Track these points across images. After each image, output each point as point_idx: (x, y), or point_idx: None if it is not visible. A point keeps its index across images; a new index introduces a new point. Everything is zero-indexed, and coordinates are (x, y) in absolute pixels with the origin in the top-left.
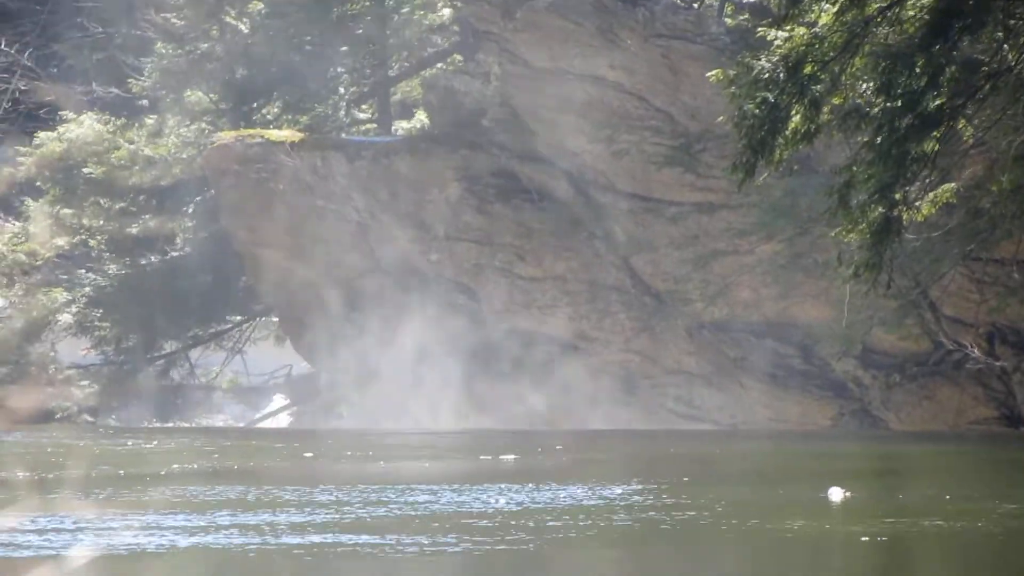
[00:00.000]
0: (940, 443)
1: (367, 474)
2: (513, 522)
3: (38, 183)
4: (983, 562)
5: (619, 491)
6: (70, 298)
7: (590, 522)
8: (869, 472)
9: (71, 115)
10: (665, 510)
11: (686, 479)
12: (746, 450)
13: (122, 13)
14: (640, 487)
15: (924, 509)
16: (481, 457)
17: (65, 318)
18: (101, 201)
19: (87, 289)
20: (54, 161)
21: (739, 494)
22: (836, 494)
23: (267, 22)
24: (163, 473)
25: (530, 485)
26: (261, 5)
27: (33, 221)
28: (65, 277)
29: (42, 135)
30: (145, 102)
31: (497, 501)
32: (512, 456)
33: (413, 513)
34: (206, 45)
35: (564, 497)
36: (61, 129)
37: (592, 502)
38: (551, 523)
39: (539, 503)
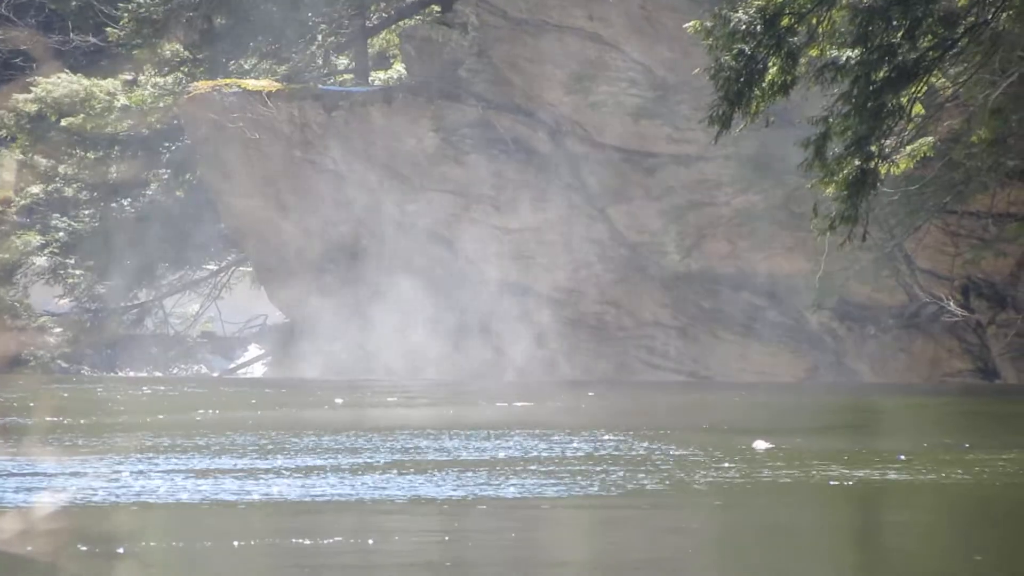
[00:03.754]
0: (909, 396)
1: (413, 420)
2: (583, 467)
3: (5, 133)
4: (844, 510)
5: (615, 439)
6: (44, 241)
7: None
8: (813, 424)
9: (43, 79)
10: (626, 460)
11: (662, 430)
12: (711, 401)
13: None
14: (623, 438)
15: (834, 458)
16: (498, 404)
17: (39, 262)
18: (75, 150)
19: (61, 234)
20: (27, 115)
21: (686, 441)
22: (761, 445)
23: None
24: (199, 419)
25: (561, 433)
26: None
27: (4, 169)
28: (39, 225)
29: (16, 97)
30: (122, 50)
31: (563, 449)
32: (527, 403)
33: (492, 457)
34: None
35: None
36: (37, 90)
37: (608, 452)
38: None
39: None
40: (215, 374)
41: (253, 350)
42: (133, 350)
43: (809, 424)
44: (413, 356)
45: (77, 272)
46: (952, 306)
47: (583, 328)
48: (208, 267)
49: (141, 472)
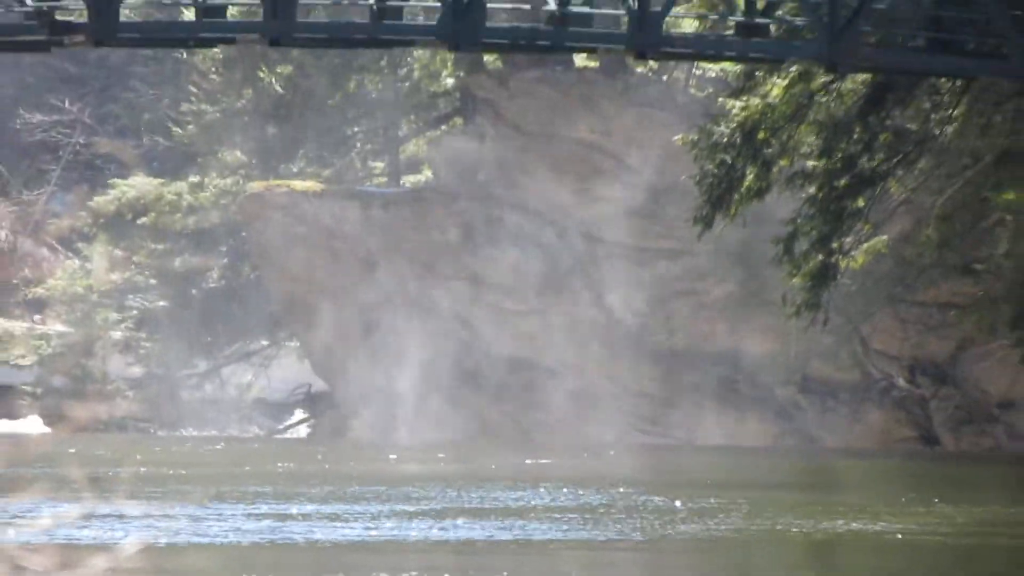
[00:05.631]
0: (856, 459)
1: (469, 474)
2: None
3: (92, 230)
4: (818, 559)
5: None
6: (120, 318)
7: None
8: (739, 483)
9: (121, 182)
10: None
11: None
12: (679, 464)
13: (168, 78)
14: (625, 491)
15: (736, 514)
16: (527, 461)
17: (115, 335)
18: (149, 244)
19: (134, 312)
20: (107, 213)
21: (627, 498)
22: (679, 503)
23: (297, 82)
24: (280, 473)
25: (593, 488)
26: (291, 68)
27: (91, 260)
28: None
29: (98, 200)
30: (189, 148)
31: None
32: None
33: (582, 504)
34: (240, 103)
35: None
36: (116, 193)
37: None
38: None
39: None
40: (263, 433)
41: (298, 414)
42: (196, 412)
43: (735, 482)
44: (434, 422)
45: (147, 344)
46: (901, 382)
47: (582, 398)
48: (260, 342)
49: (251, 515)
